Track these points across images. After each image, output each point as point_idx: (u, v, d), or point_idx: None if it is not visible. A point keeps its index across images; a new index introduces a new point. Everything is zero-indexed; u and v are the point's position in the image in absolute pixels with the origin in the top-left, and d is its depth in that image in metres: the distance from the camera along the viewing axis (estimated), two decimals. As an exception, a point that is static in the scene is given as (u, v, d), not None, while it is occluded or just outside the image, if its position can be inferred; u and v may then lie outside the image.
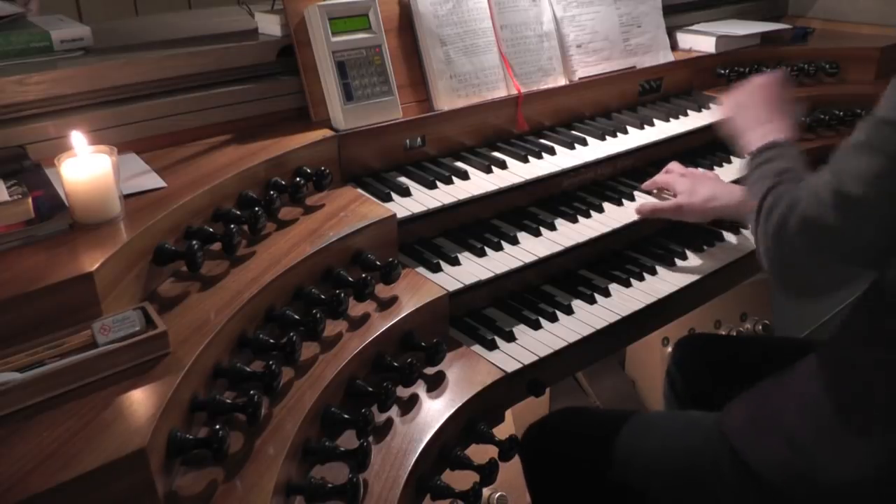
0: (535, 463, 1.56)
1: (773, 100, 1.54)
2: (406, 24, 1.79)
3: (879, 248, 1.09)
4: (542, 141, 1.92)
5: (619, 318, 1.53)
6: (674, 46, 2.38)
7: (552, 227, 1.68)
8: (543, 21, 1.99)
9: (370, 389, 1.26)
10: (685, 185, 1.73)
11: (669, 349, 2.58)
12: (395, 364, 1.31)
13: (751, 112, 1.53)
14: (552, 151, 1.86)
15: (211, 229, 1.32)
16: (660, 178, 1.83)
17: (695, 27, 2.47)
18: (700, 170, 1.89)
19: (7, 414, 0.92)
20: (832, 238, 1.09)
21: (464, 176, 1.70)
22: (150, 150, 1.53)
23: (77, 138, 1.21)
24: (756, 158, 1.38)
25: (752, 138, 1.45)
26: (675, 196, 1.74)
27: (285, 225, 1.47)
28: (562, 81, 2.02)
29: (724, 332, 2.68)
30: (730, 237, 1.85)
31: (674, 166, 1.83)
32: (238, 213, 1.38)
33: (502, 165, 1.77)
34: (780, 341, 1.88)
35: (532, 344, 1.44)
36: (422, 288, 1.45)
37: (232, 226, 1.32)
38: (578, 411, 1.68)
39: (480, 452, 1.31)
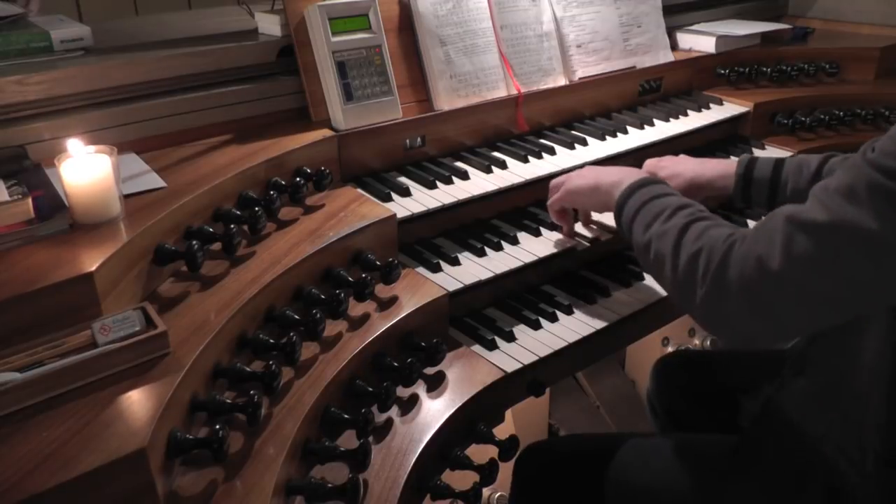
0: (525, 487, 1.52)
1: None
2: (406, 24, 1.79)
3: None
4: (542, 141, 1.92)
5: (619, 318, 1.53)
6: (674, 46, 2.38)
7: (552, 227, 1.68)
8: (543, 21, 1.99)
9: (370, 389, 1.26)
10: (667, 171, 1.64)
11: (670, 348, 2.58)
12: (395, 364, 1.31)
13: (593, 172, 1.48)
14: (552, 151, 1.86)
15: (211, 229, 1.32)
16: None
17: (695, 27, 2.48)
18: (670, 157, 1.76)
19: (7, 414, 0.92)
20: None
21: (464, 176, 1.70)
22: (150, 150, 1.54)
23: (74, 146, 1.20)
24: (637, 193, 1.28)
25: (613, 179, 1.38)
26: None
27: (285, 225, 1.47)
28: (562, 81, 2.02)
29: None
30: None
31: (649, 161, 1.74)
32: (238, 213, 1.39)
33: (502, 165, 1.77)
34: (753, 355, 1.75)
35: (532, 344, 1.44)
36: (422, 288, 1.45)
37: (232, 226, 1.32)
38: (578, 440, 1.62)
39: (480, 452, 1.31)
